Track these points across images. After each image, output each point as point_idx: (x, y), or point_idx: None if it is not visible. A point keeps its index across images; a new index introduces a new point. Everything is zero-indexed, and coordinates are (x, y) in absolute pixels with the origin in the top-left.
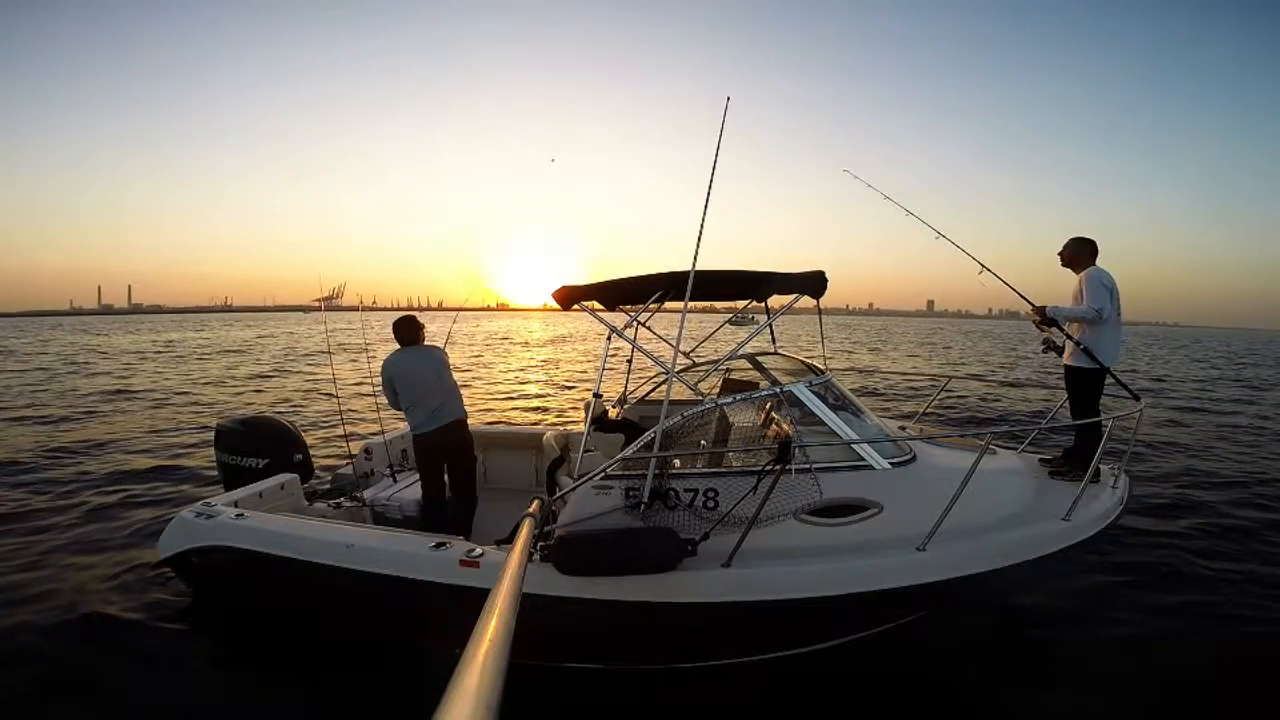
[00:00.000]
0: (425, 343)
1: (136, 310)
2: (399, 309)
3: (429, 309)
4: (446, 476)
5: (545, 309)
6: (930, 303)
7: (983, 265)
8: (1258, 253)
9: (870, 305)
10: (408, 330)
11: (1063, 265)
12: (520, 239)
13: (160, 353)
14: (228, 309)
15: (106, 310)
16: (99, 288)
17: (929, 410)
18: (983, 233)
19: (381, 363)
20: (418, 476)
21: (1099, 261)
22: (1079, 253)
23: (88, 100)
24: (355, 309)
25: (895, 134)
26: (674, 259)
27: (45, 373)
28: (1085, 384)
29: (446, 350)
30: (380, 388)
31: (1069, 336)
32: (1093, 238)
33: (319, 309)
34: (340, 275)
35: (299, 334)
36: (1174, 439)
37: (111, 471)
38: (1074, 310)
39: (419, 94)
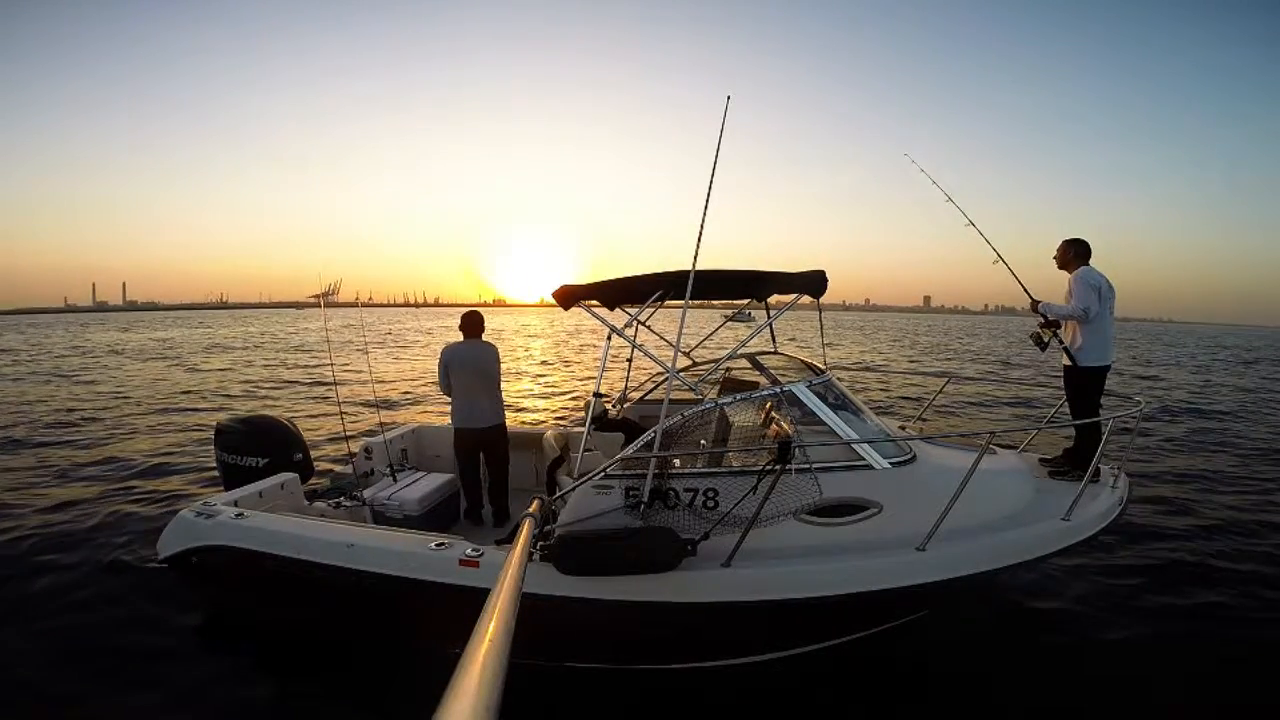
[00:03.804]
0: (481, 338)
1: (132, 307)
2: (396, 305)
3: (425, 305)
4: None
5: (542, 304)
6: (927, 298)
7: (999, 255)
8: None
9: (867, 301)
10: (468, 323)
11: (1058, 268)
12: (518, 235)
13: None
14: (223, 305)
15: (101, 307)
16: (93, 284)
17: (929, 410)
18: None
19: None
20: (418, 476)
21: (1092, 262)
22: (1070, 254)
23: (82, 97)
24: (354, 305)
25: (894, 132)
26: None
27: (42, 372)
28: (1083, 383)
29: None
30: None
31: (1059, 338)
32: (1085, 239)
33: (316, 305)
34: (337, 272)
35: (290, 334)
36: (1174, 438)
37: (110, 471)
38: (1062, 309)
39: (415, 90)
